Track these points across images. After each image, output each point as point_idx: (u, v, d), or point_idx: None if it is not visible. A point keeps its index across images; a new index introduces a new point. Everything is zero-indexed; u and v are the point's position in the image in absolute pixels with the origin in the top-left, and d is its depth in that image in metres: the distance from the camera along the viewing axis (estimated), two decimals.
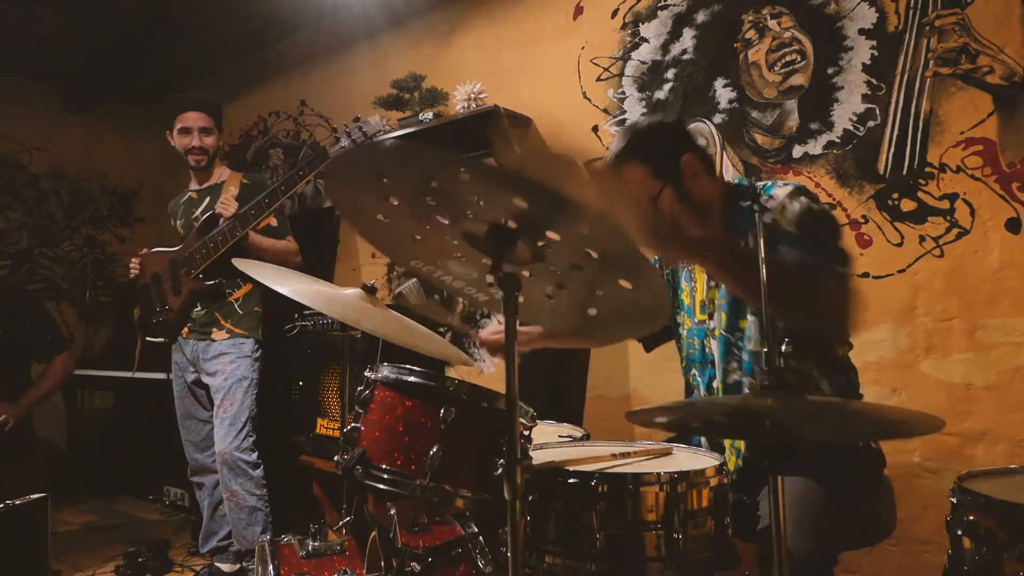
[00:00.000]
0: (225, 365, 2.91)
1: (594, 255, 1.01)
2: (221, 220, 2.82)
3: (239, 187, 2.96)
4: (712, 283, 1.76)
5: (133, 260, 3.06)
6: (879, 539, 1.67)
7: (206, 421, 3.04)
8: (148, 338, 3.04)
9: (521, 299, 1.10)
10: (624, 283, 1.05)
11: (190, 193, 3.11)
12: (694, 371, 1.85)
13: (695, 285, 1.83)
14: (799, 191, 1.61)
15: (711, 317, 1.77)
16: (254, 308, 3.01)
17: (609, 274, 1.05)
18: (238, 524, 2.90)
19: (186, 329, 2.98)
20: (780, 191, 1.62)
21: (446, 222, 1.05)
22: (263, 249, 2.86)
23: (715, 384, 1.74)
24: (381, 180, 1.01)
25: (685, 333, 1.88)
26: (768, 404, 1.09)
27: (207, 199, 3.03)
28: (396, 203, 1.04)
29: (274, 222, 2.94)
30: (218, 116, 3.04)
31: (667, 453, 1.52)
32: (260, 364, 3.01)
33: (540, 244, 1.03)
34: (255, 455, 2.92)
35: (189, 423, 3.05)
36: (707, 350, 1.78)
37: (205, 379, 2.97)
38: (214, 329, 2.94)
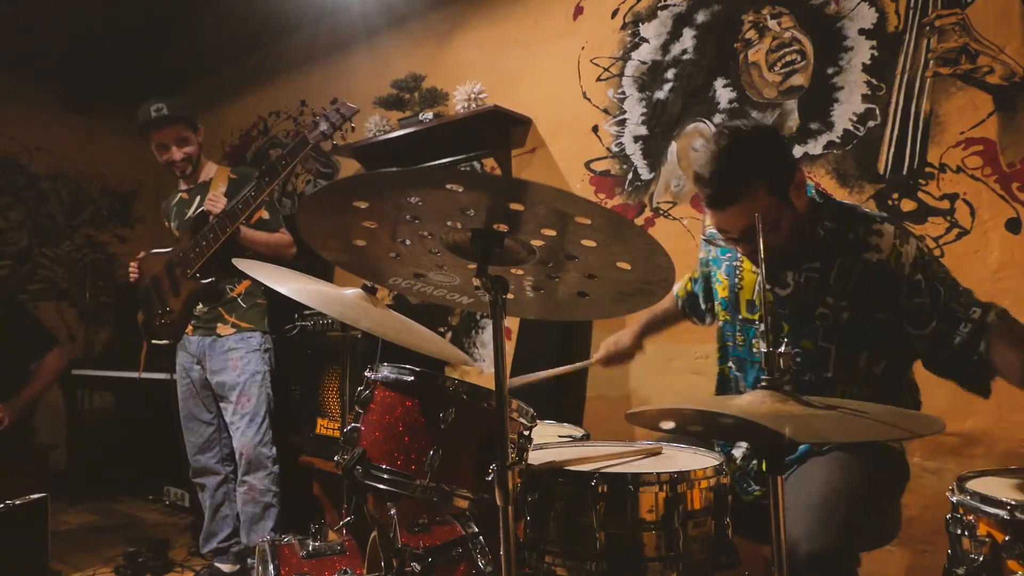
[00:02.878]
0: (236, 361, 2.90)
1: (593, 244, 0.99)
2: (211, 217, 2.79)
3: (227, 182, 2.94)
4: (769, 286, 1.67)
5: (132, 264, 3.05)
6: (886, 541, 1.68)
7: (209, 423, 3.03)
8: (154, 341, 3.03)
9: (510, 296, 1.09)
10: (623, 265, 1.03)
11: (181, 193, 3.10)
12: (732, 364, 1.83)
13: (739, 282, 1.78)
14: (904, 230, 1.58)
15: (762, 320, 1.75)
16: (257, 301, 3.00)
17: (607, 259, 1.02)
18: (251, 519, 2.89)
19: (190, 327, 2.97)
20: (887, 228, 1.56)
21: (428, 235, 1.03)
22: (256, 243, 2.84)
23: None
24: (356, 207, 0.98)
25: (723, 325, 1.85)
26: (769, 407, 1.09)
27: (198, 198, 3.02)
28: (373, 226, 1.02)
29: (266, 215, 2.92)
30: (192, 121, 2.99)
31: (657, 452, 1.53)
32: (271, 356, 3.01)
33: (534, 243, 1.01)
34: (274, 450, 2.93)
35: (193, 424, 3.04)
36: (754, 350, 1.76)
37: (212, 375, 2.94)
38: (219, 324, 2.93)
